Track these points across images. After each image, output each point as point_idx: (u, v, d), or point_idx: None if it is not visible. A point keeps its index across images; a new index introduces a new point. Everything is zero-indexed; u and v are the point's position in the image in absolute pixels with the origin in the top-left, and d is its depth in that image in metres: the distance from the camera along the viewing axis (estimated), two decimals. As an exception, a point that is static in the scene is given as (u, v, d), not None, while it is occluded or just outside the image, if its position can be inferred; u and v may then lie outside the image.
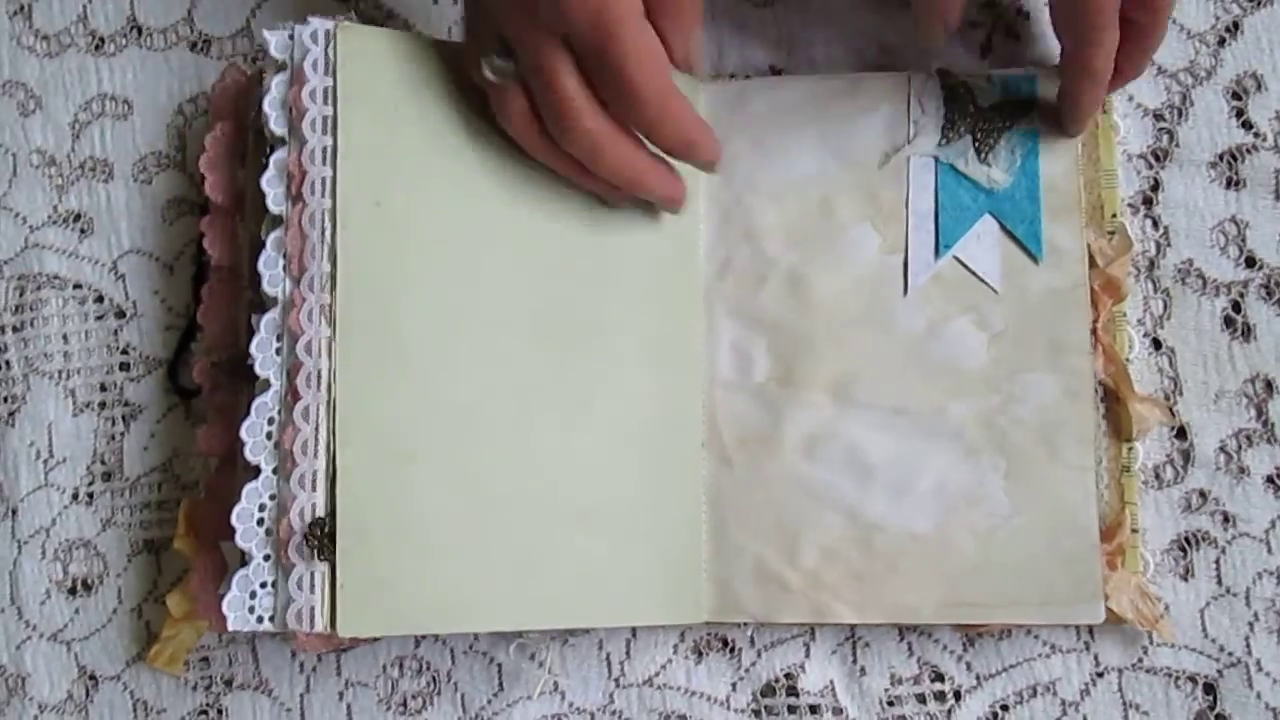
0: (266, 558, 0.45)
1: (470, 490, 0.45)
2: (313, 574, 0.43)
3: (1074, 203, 0.49)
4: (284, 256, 0.46)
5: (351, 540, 0.43)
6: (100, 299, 0.55)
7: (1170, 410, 0.49)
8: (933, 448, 0.48)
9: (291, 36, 0.46)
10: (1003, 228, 0.49)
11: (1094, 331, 0.48)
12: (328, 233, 0.45)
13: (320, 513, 0.44)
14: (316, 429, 0.44)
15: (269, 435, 0.45)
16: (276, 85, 0.46)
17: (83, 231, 0.56)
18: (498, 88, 0.45)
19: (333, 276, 0.45)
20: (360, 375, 0.45)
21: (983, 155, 0.49)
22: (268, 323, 0.46)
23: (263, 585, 0.44)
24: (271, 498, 0.45)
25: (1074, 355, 0.48)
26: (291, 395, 0.45)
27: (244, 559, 0.45)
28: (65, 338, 0.55)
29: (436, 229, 0.47)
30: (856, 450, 0.48)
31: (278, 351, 0.46)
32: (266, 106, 0.46)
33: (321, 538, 0.43)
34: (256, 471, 0.45)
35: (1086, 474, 0.47)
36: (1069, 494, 0.47)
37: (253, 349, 0.46)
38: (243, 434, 0.45)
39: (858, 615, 0.48)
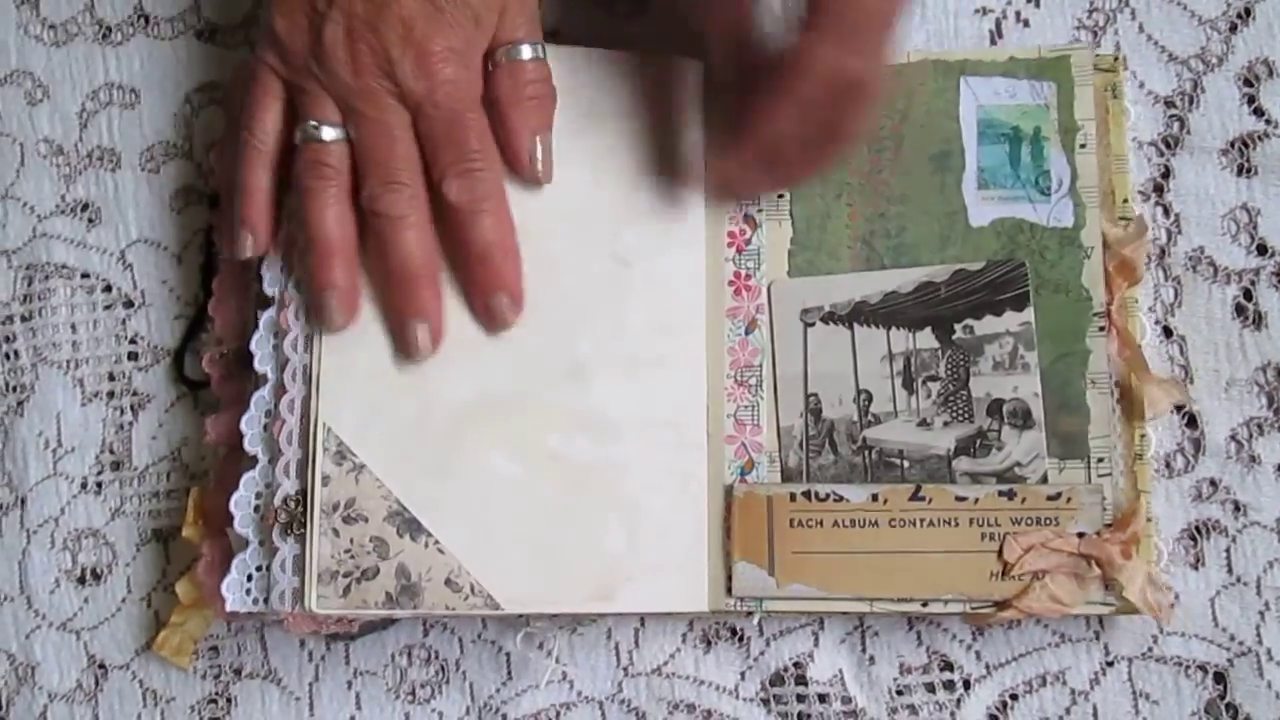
0: (261, 543, 0.47)
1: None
2: (293, 556, 0.45)
3: None
4: (283, 256, 0.48)
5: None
6: (108, 288, 0.55)
7: (1183, 389, 0.49)
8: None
9: None
10: None
11: (1109, 314, 0.48)
12: None
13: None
14: (301, 419, 0.46)
15: (265, 427, 0.47)
16: None
17: (91, 221, 0.56)
18: None
19: None
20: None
21: None
22: (266, 320, 0.48)
23: (258, 569, 0.47)
24: (267, 485, 0.47)
25: None
26: (280, 388, 0.47)
27: (235, 544, 0.47)
28: (74, 327, 0.55)
29: None
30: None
31: (275, 348, 0.47)
32: None
33: (291, 513, 0.45)
34: (254, 461, 0.47)
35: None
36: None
37: (252, 345, 0.48)
38: (243, 425, 0.47)
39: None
